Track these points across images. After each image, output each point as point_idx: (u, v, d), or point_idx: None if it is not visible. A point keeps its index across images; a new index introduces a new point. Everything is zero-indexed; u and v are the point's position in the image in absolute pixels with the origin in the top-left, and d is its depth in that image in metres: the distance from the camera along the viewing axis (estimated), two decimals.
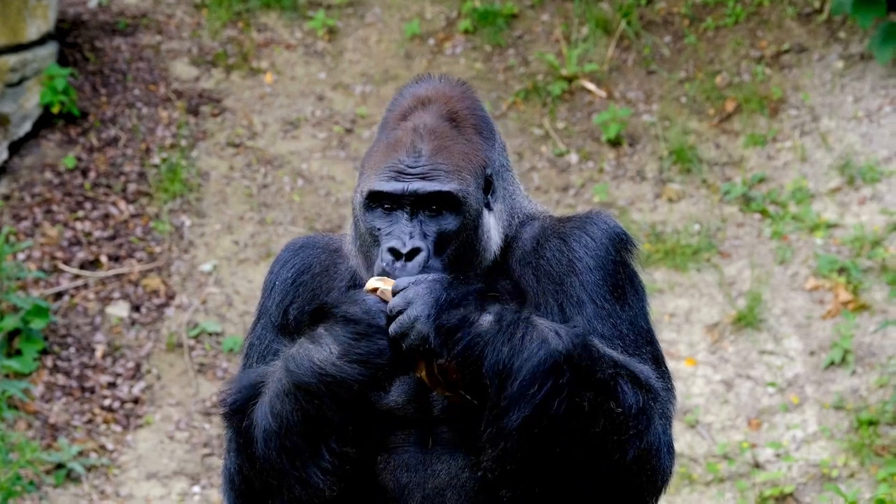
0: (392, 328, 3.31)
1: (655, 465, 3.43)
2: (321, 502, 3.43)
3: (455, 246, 3.53)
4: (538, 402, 3.28)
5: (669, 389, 3.59)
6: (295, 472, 3.41)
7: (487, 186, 3.62)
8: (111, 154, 9.77)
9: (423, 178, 3.50)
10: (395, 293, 3.33)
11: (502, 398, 3.29)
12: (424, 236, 3.49)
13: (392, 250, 3.46)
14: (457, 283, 3.32)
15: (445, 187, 3.50)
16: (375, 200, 3.52)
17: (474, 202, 3.55)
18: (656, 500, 3.53)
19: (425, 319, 3.29)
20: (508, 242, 3.67)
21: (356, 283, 3.65)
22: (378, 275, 3.45)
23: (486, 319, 3.29)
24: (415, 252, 3.46)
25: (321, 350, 3.35)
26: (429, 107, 3.62)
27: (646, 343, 3.57)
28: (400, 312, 3.31)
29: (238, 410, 3.50)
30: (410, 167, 3.51)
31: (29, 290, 8.98)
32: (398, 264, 3.45)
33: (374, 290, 3.37)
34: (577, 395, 3.30)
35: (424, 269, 3.45)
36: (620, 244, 3.60)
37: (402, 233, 3.49)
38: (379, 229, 3.51)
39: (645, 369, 3.48)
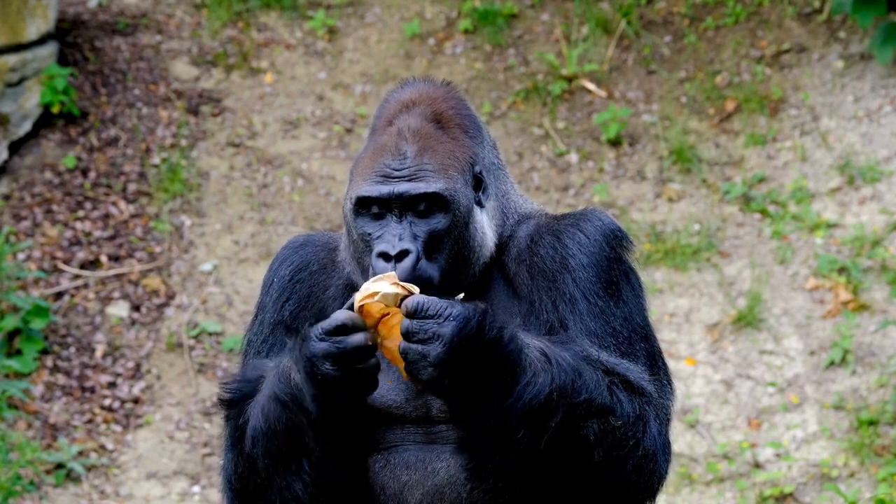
0: (404, 349, 3.29)
1: (652, 468, 3.45)
2: None
3: (448, 246, 3.53)
4: (524, 447, 3.30)
5: (665, 387, 3.59)
6: (277, 478, 3.43)
7: (478, 184, 3.62)
8: (111, 154, 9.77)
9: (409, 180, 3.51)
10: (412, 314, 3.29)
11: (488, 439, 3.32)
12: (414, 237, 3.49)
13: (382, 255, 3.47)
14: (479, 326, 3.27)
15: (432, 188, 3.50)
16: (364, 206, 3.53)
17: (463, 199, 3.55)
18: (653, 502, 3.54)
19: (442, 367, 3.26)
20: (505, 241, 3.67)
21: (352, 282, 3.66)
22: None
23: (488, 363, 3.28)
24: (404, 254, 3.46)
25: (296, 372, 3.39)
26: (413, 109, 3.63)
27: (640, 340, 3.57)
28: (415, 340, 3.29)
29: (235, 404, 3.52)
30: (396, 170, 3.52)
31: (29, 289, 8.98)
32: (389, 265, 3.45)
33: (373, 295, 3.35)
34: (579, 427, 3.33)
35: (415, 270, 3.44)
36: (615, 241, 3.60)
37: (392, 236, 3.49)
38: (370, 234, 3.52)
39: (637, 371, 3.48)
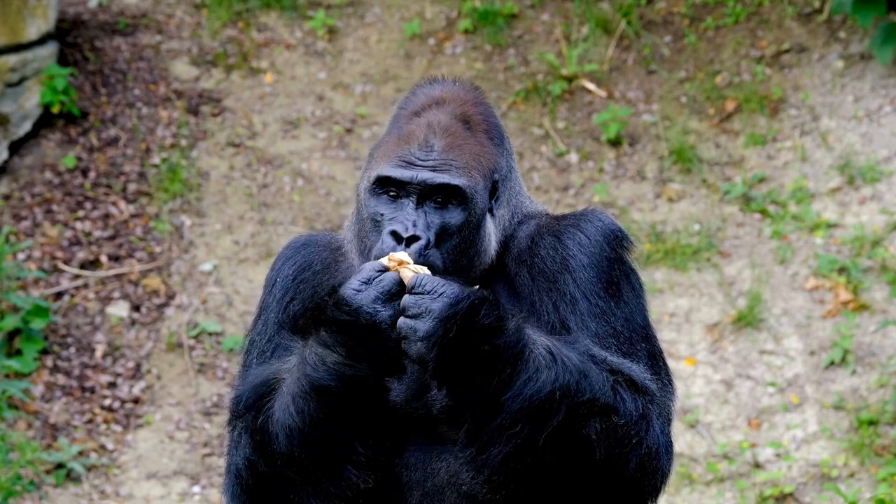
0: (399, 325, 3.30)
1: (655, 466, 3.44)
2: (353, 496, 3.42)
3: (455, 242, 3.53)
4: (521, 441, 3.29)
5: (667, 386, 3.60)
6: (323, 468, 3.39)
7: (493, 192, 3.63)
8: (111, 154, 9.77)
9: (433, 170, 3.51)
10: (410, 290, 3.30)
11: (483, 430, 3.31)
12: (427, 227, 3.50)
13: (394, 234, 3.47)
14: (470, 308, 3.27)
15: (455, 181, 3.51)
16: (382, 186, 3.53)
17: (480, 202, 3.56)
18: (655, 501, 3.54)
19: (428, 342, 3.27)
20: (506, 241, 3.68)
21: None
22: (376, 257, 3.44)
23: (484, 351, 3.28)
24: (414, 239, 3.47)
25: (331, 353, 3.34)
26: (443, 107, 3.64)
27: (641, 340, 3.57)
28: (409, 315, 3.29)
29: (251, 408, 3.49)
30: (421, 159, 3.53)
31: (29, 289, 8.98)
32: (398, 247, 3.44)
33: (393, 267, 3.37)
34: (581, 426, 3.32)
35: (422, 256, 3.44)
36: (615, 241, 3.61)
37: (406, 219, 3.49)
38: (382, 214, 3.52)
39: (640, 370, 3.48)
